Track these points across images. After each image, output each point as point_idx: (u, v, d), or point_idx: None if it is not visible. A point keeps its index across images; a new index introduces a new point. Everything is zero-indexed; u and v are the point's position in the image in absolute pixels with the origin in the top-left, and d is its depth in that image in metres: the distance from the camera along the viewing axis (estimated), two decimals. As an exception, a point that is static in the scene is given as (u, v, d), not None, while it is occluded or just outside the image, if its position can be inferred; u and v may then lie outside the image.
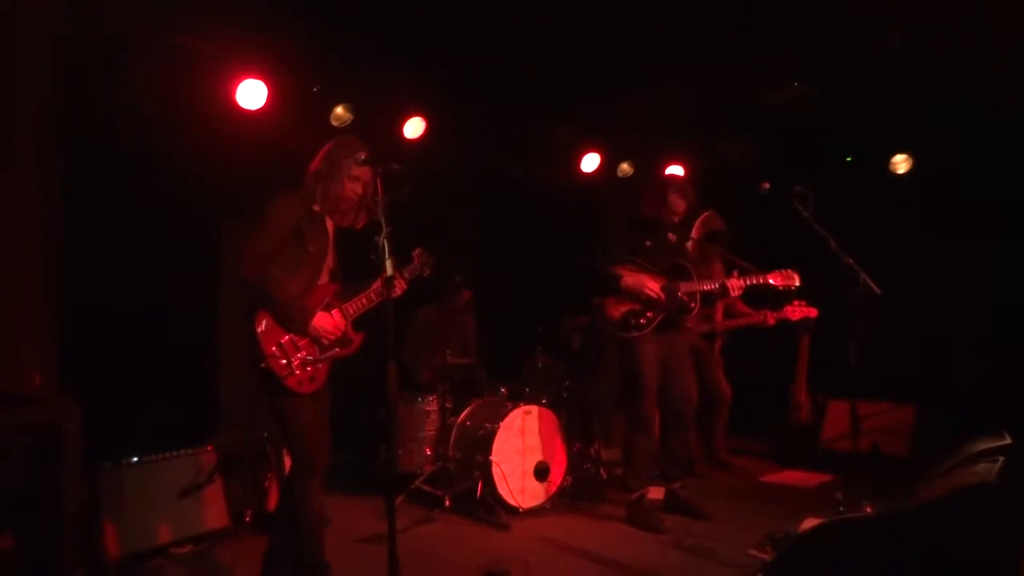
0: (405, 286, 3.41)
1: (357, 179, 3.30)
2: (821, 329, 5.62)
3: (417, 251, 3.54)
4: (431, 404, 5.20)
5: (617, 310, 4.49)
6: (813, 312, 5.11)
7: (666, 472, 4.68)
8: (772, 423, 6.36)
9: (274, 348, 3.14)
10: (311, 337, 3.24)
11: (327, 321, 3.27)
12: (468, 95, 5.51)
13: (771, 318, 5.55)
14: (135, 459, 3.97)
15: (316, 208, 3.32)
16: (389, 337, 2.86)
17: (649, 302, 4.39)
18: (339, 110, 5.22)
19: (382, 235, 2.91)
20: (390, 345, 2.86)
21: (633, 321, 4.44)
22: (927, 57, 4.88)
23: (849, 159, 6.49)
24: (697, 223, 5.61)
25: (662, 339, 4.47)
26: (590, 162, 6.65)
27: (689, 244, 5.27)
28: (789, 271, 4.29)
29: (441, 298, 5.95)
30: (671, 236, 4.60)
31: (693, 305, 4.42)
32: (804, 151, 6.16)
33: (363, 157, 3.20)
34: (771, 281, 4.28)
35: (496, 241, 6.52)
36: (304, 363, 3.20)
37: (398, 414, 5.16)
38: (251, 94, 4.76)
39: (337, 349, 3.31)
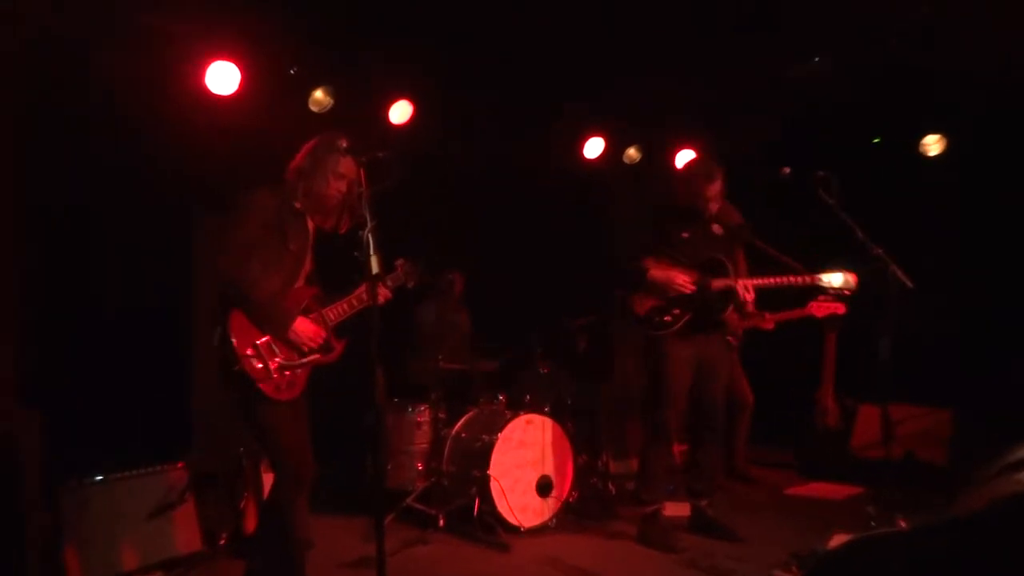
0: (389, 295, 3.45)
1: (342, 177, 3.33)
2: (849, 327, 5.61)
3: (400, 261, 3.60)
4: (423, 414, 5.18)
5: (643, 305, 4.45)
6: (841, 308, 5.07)
7: (693, 488, 4.65)
8: (796, 430, 6.35)
9: (249, 350, 3.14)
10: (289, 342, 3.24)
11: (308, 327, 3.28)
12: (459, 76, 5.49)
13: (769, 321, 5.53)
14: (100, 477, 3.95)
15: (298, 206, 3.33)
16: (373, 341, 2.86)
17: (678, 299, 4.35)
18: (318, 94, 5.20)
19: (367, 230, 2.91)
20: (375, 350, 2.85)
21: (658, 318, 4.41)
22: (961, 30, 4.87)
23: (877, 140, 6.47)
24: None
25: (695, 341, 4.43)
26: (594, 147, 6.64)
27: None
28: (844, 271, 4.22)
29: (435, 295, 5.94)
30: (715, 228, 4.52)
31: (727, 304, 4.35)
32: (827, 132, 6.15)
33: (345, 145, 3.21)
34: (821, 282, 4.21)
35: (491, 234, 6.51)
36: (282, 368, 3.20)
37: (386, 425, 5.14)
38: (222, 78, 4.73)
39: (317, 355, 3.32)
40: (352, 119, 5.11)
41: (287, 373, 3.22)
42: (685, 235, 4.47)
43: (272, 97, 5.04)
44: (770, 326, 5.58)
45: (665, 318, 4.40)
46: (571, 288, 6.35)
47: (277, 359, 3.20)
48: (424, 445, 5.14)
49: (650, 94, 5.90)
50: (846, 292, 4.20)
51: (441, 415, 5.17)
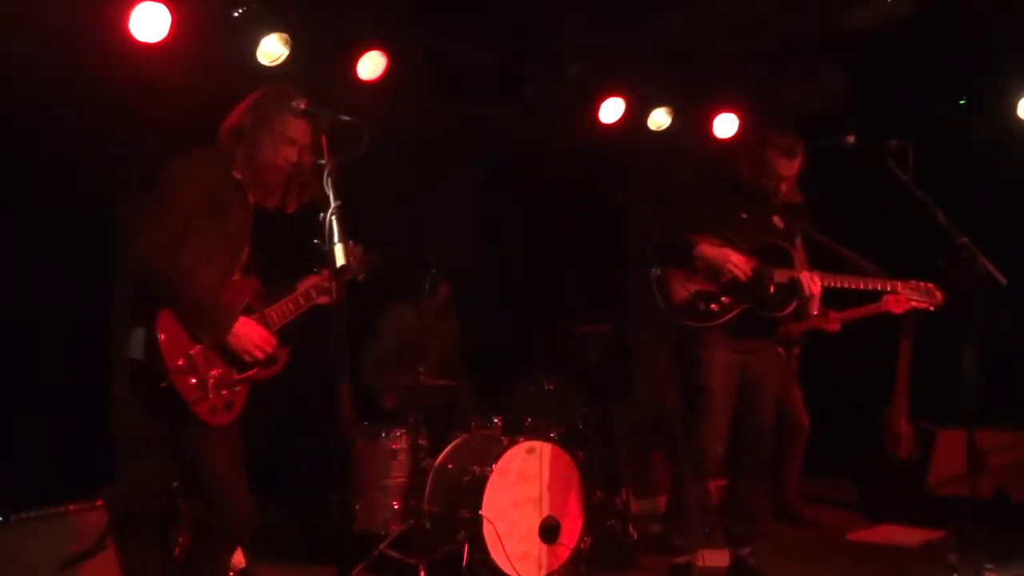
0: (342, 292, 3.39)
1: (293, 142, 3.31)
2: (927, 333, 5.63)
3: (351, 246, 3.50)
4: (399, 441, 5.20)
5: (684, 288, 4.42)
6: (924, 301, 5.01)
7: (732, 531, 4.66)
8: (862, 461, 6.37)
9: (181, 361, 3.10)
10: (229, 350, 3.20)
11: (254, 330, 3.24)
12: (442, 21, 5.49)
13: (834, 321, 5.53)
14: (-2, 519, 3.97)
15: (237, 176, 3.32)
16: (339, 347, 2.86)
17: (730, 285, 4.35)
18: (270, 43, 5.20)
19: (329, 212, 2.92)
20: (342, 359, 2.86)
21: (703, 305, 4.39)
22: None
23: (963, 101, 6.49)
24: None
25: (743, 346, 4.44)
26: (611, 110, 6.65)
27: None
28: (929, 286, 4.26)
29: (414, 295, 5.95)
30: (776, 220, 4.56)
31: (790, 301, 4.37)
32: (901, 91, 6.16)
33: (302, 107, 3.19)
34: (900, 290, 4.26)
35: (484, 218, 6.52)
36: (219, 384, 3.17)
37: (355, 454, 5.16)
38: (149, 22, 4.74)
39: (258, 368, 3.29)
40: (311, 74, 5.12)
41: (224, 392, 3.19)
42: (744, 215, 4.49)
43: (211, 46, 5.04)
44: (835, 327, 5.59)
45: (712, 306, 4.39)
46: (582, 287, 6.37)
47: (214, 373, 3.17)
48: (401, 479, 5.15)
49: (682, 44, 5.90)
50: (931, 308, 4.25)
51: (422, 442, 5.17)
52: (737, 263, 4.32)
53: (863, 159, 4.10)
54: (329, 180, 2.95)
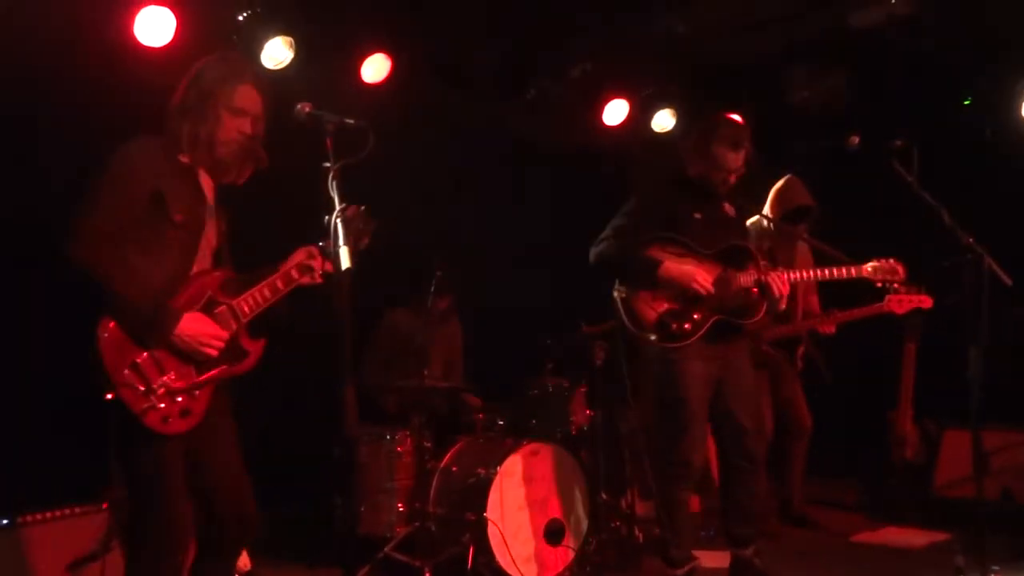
0: (326, 266, 3.22)
1: (242, 112, 3.18)
2: (932, 333, 5.62)
3: (351, 210, 3.16)
4: (404, 443, 5.20)
5: (652, 308, 4.38)
6: (927, 301, 4.97)
7: (732, 533, 4.64)
8: (866, 463, 6.36)
9: (127, 371, 2.95)
10: (179, 352, 3.04)
11: (199, 325, 3.05)
12: (446, 24, 5.49)
13: (830, 323, 5.52)
14: (3, 521, 3.97)
15: (184, 160, 3.19)
16: (344, 348, 2.85)
17: (697, 299, 4.32)
18: (274, 46, 5.20)
19: (335, 214, 2.91)
20: (346, 360, 2.85)
21: (675, 325, 4.35)
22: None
23: (967, 102, 6.48)
24: (773, 195, 5.58)
25: (714, 351, 4.40)
26: (615, 112, 6.65)
27: (764, 224, 5.23)
28: (890, 262, 4.26)
29: (417, 297, 5.94)
30: (727, 208, 4.54)
31: (760, 305, 4.36)
32: (906, 91, 6.15)
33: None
34: (866, 273, 4.26)
35: (488, 221, 6.51)
36: (173, 391, 3.01)
37: (359, 457, 5.16)
38: (154, 26, 4.74)
39: (224, 366, 3.13)
40: (316, 77, 5.12)
41: (180, 398, 3.03)
42: (697, 215, 4.44)
43: (216, 50, 5.02)
44: (830, 329, 5.57)
45: (685, 325, 4.33)
46: (586, 288, 6.36)
47: (164, 379, 3.00)
48: (406, 482, 5.14)
49: (685, 44, 5.90)
50: (895, 284, 4.26)
51: (426, 444, 5.17)
52: (702, 281, 4.28)
53: (867, 160, 4.09)
54: (334, 183, 2.94)
